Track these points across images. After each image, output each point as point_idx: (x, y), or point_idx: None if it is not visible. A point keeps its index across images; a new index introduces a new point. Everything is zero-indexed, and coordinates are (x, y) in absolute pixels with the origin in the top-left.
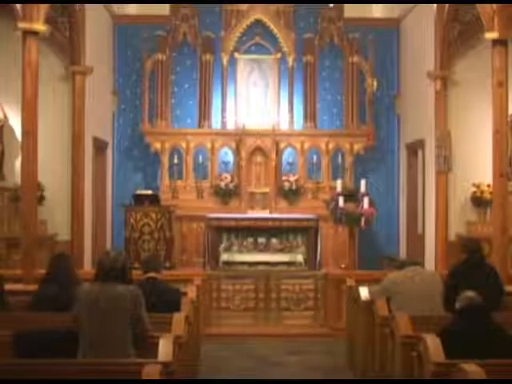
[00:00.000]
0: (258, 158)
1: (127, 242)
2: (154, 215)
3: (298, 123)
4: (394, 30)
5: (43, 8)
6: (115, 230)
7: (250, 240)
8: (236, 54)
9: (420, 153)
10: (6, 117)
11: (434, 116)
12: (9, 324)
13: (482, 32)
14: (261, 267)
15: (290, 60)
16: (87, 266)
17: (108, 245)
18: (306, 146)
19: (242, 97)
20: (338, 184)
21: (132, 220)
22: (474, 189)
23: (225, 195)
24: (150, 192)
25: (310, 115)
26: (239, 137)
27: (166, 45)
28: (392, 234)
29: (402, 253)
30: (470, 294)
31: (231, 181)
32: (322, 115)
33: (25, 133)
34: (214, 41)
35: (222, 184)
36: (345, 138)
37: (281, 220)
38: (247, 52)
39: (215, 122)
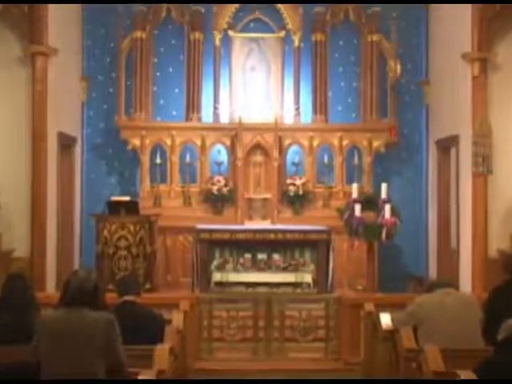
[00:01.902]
0: (258, 158)
1: (99, 258)
2: (131, 226)
3: (306, 115)
4: (423, 5)
5: None
6: (85, 244)
7: (248, 256)
8: (231, 32)
9: (453, 151)
10: None
11: (470, 106)
12: None
13: None
14: (261, 289)
15: (296, 39)
16: (50, 289)
17: (76, 262)
18: (316, 142)
19: (239, 84)
20: (354, 189)
21: (105, 232)
22: None
23: (217, 202)
24: (127, 198)
25: (319, 106)
26: (235, 132)
27: (146, 21)
28: (419, 249)
29: (432, 272)
30: None
31: (225, 185)
32: (334, 106)
33: None
34: (205, 16)
35: (215, 189)
36: (362, 134)
37: (285, 232)
38: (244, 30)
39: (206, 115)
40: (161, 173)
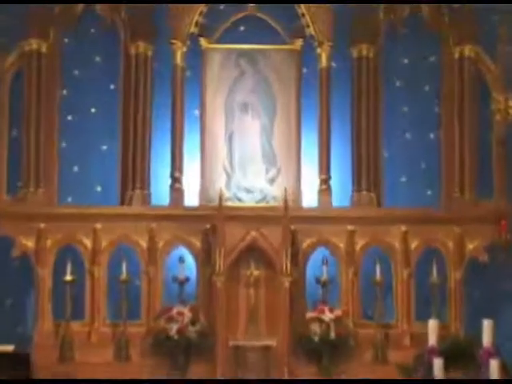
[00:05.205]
0: (254, 272)
1: None
2: None
3: (342, 193)
4: None
5: None
6: None
7: None
8: (204, 42)
9: None
10: None
11: None
12: None
13: None
14: None
15: (324, 54)
16: None
17: None
18: (360, 243)
19: (218, 135)
20: (432, 329)
21: None
22: None
23: (178, 354)
24: (9, 348)
25: (366, 176)
26: (211, 224)
27: (50, 21)
28: None
29: None
30: None
31: (193, 322)
32: (393, 175)
33: None
34: (156, 13)
35: (173, 329)
36: (445, 227)
37: None
38: (229, 37)
39: (158, 192)
40: (74, 300)
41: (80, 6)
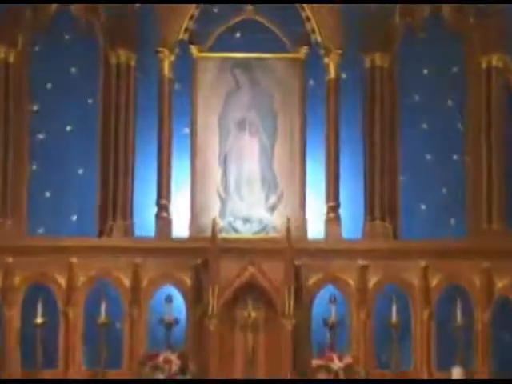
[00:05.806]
0: (252, 312)
1: None
2: None
3: (352, 223)
4: None
5: None
6: None
7: None
8: (195, 50)
9: None
10: None
11: None
12: None
13: None
14: None
15: (332, 63)
16: None
17: None
18: (373, 279)
19: (211, 157)
20: (456, 377)
21: None
22: None
23: None
24: None
25: (380, 203)
26: (202, 259)
27: (19, 26)
28: None
29: None
30: None
31: (182, 370)
32: (409, 203)
33: None
34: (141, 18)
35: (160, 378)
36: (469, 262)
37: None
38: (224, 45)
39: (142, 222)
40: (46, 345)
41: (53, 8)
